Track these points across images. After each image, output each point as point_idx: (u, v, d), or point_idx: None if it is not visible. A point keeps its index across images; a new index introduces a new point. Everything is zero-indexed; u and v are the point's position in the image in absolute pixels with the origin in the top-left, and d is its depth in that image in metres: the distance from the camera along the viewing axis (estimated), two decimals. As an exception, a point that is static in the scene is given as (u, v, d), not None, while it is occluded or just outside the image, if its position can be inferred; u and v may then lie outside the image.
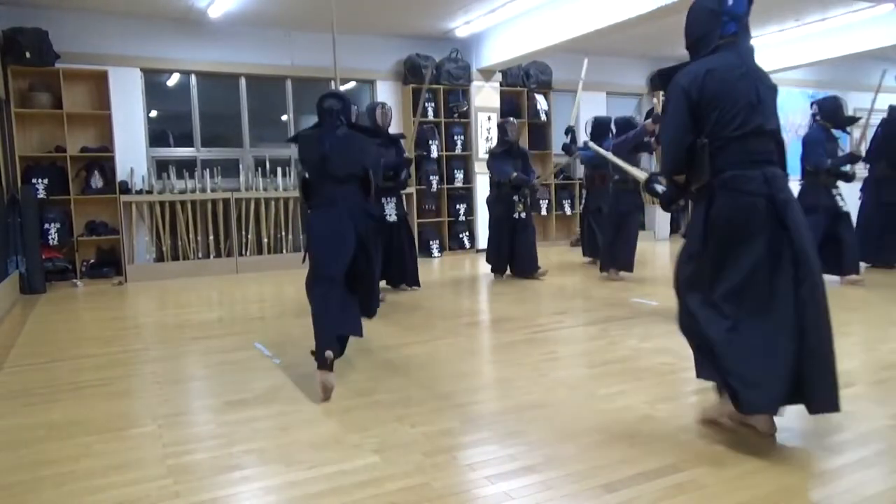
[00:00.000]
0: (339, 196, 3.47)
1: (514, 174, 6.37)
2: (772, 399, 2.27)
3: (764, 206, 2.31)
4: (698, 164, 2.41)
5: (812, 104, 6.13)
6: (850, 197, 5.96)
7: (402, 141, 5.82)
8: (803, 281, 2.26)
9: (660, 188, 2.90)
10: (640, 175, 3.44)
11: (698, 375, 2.53)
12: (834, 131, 5.97)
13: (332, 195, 3.48)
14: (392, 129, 6.21)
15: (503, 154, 6.50)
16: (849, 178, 5.91)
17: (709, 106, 2.38)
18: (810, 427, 2.53)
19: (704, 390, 3.04)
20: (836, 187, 5.81)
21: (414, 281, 6.05)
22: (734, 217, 2.34)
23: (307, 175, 3.61)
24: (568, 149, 7.46)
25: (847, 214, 5.81)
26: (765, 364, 2.24)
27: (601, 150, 5.16)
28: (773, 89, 2.49)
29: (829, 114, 5.84)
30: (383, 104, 5.78)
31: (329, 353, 3.05)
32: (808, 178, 5.84)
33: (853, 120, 6.08)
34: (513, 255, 6.61)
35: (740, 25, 2.46)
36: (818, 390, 2.25)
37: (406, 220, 6.00)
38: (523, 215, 6.57)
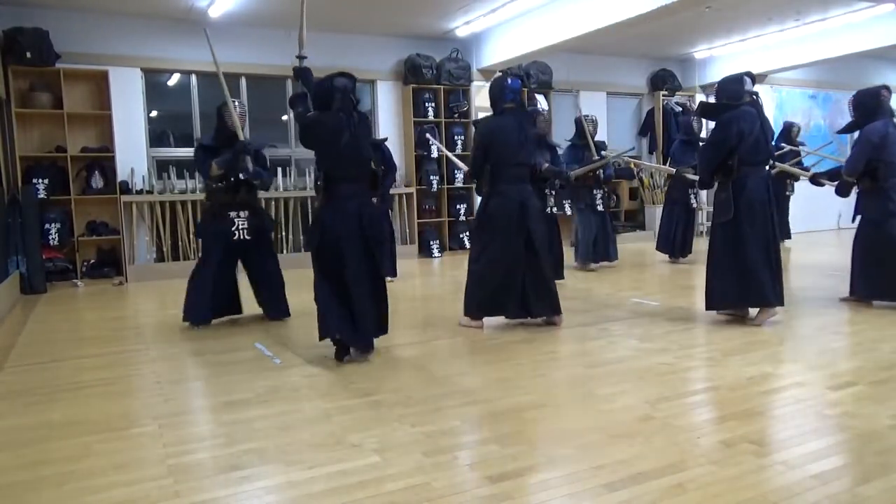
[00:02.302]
0: (351, 191, 3.62)
1: (546, 164, 5.91)
2: (508, 309, 4.33)
3: (517, 207, 4.18)
4: (485, 178, 4.25)
5: None
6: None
7: (386, 145, 6.03)
8: (531, 247, 4.23)
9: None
10: (464, 166, 5.80)
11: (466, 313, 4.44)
12: None
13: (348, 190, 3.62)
14: (388, 132, 6.34)
15: None
16: None
17: (494, 148, 4.19)
18: (810, 426, 2.53)
19: (705, 390, 3.04)
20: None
21: (392, 272, 6.38)
22: (501, 212, 4.20)
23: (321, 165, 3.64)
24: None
25: None
26: (501, 293, 4.25)
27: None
28: (532, 135, 4.48)
29: None
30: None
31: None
32: None
33: None
34: (550, 255, 6.08)
35: (516, 96, 4.29)
36: (541, 301, 4.32)
37: (388, 214, 6.51)
38: (555, 210, 6.21)
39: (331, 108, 3.51)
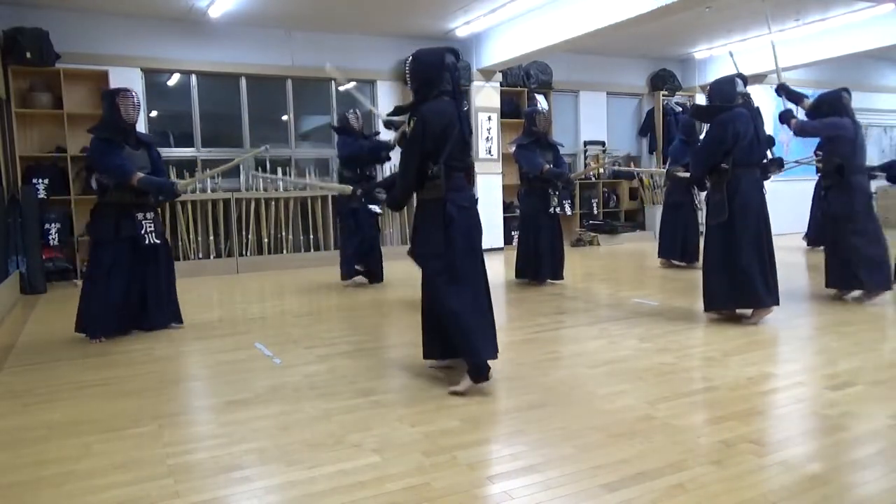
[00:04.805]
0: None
1: (547, 166, 5.90)
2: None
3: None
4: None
5: None
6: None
7: (377, 137, 6.45)
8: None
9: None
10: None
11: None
12: None
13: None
14: (388, 132, 6.49)
15: (531, 145, 6.02)
16: None
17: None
18: (810, 426, 2.53)
19: (705, 390, 3.04)
20: None
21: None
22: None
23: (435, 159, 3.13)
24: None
25: None
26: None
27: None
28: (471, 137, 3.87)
29: None
30: (356, 110, 6.41)
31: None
32: None
33: None
34: (552, 255, 6.11)
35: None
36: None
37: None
38: (559, 210, 6.14)
39: (436, 88, 3.12)
